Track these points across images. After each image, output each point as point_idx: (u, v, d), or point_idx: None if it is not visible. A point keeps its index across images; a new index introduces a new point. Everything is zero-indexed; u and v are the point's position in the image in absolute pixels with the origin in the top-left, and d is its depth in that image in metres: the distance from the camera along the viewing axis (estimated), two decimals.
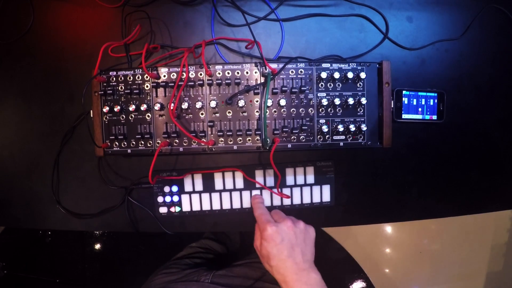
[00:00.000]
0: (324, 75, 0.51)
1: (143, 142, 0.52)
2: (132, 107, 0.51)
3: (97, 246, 1.36)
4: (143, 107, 0.51)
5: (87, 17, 0.56)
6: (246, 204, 0.57)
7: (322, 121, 0.53)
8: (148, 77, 0.51)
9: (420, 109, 0.58)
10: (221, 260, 0.65)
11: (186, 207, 0.57)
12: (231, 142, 0.53)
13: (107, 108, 0.51)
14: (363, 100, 0.53)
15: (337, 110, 0.53)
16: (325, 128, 0.52)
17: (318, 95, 0.53)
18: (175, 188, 0.57)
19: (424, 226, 1.51)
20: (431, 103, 0.58)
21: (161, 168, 0.56)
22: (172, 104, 0.51)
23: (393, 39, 0.57)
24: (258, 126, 0.52)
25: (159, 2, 0.55)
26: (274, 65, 0.51)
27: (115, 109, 0.51)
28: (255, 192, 0.57)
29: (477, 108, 0.60)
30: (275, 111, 0.53)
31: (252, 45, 0.55)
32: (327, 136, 0.53)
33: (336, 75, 0.52)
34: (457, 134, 0.60)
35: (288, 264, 0.44)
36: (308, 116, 0.53)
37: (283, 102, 0.51)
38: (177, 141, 0.53)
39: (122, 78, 0.52)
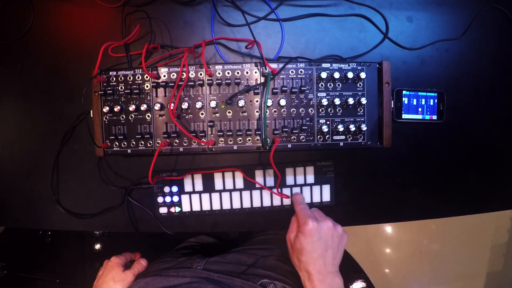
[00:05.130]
0: (324, 75, 0.51)
1: (143, 142, 0.52)
2: (132, 107, 0.51)
3: (97, 246, 1.36)
4: (143, 107, 0.51)
5: (87, 17, 0.56)
6: (246, 204, 0.57)
7: (322, 121, 0.53)
8: (148, 77, 0.51)
9: (420, 109, 0.58)
10: (217, 251, 0.64)
11: (186, 207, 0.57)
12: (231, 142, 0.53)
13: (107, 108, 0.51)
14: (363, 100, 0.53)
15: (337, 110, 0.53)
16: (325, 128, 0.52)
17: (318, 95, 0.53)
18: (175, 188, 0.57)
19: (424, 226, 1.52)
20: (431, 103, 0.58)
21: (161, 168, 0.56)
22: (172, 104, 0.51)
23: (393, 39, 0.57)
24: (258, 126, 0.52)
25: (159, 2, 0.55)
26: (274, 65, 0.51)
27: (115, 109, 0.51)
28: (255, 192, 0.57)
29: (477, 108, 0.60)
30: (275, 111, 0.53)
31: (252, 45, 0.55)
32: (327, 136, 0.53)
33: (336, 75, 0.52)
34: (457, 134, 0.60)
35: (318, 263, 0.45)
36: (308, 116, 0.53)
37: (283, 102, 0.51)
38: (177, 141, 0.53)
39: (122, 78, 0.52)
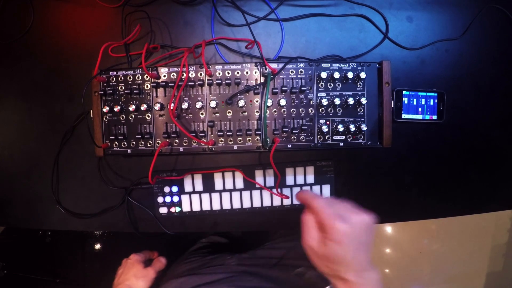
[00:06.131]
0: (324, 75, 0.51)
1: (143, 142, 0.52)
2: (132, 107, 0.51)
3: (97, 246, 1.36)
4: (143, 107, 0.51)
5: (87, 17, 0.56)
6: (246, 204, 0.57)
7: (322, 121, 0.53)
8: (148, 77, 0.51)
9: (420, 109, 0.57)
10: (233, 250, 0.64)
11: (186, 207, 0.57)
12: (231, 142, 0.53)
13: (107, 108, 0.51)
14: (363, 100, 0.53)
15: (337, 110, 0.53)
16: (325, 128, 0.52)
17: (318, 95, 0.53)
18: (175, 188, 0.57)
19: (424, 226, 1.52)
20: (431, 103, 0.58)
21: (161, 168, 0.56)
22: (172, 104, 0.51)
23: (393, 39, 0.57)
24: (258, 126, 0.52)
25: (159, 2, 0.55)
26: (274, 65, 0.51)
27: (115, 109, 0.51)
28: (255, 192, 0.57)
29: (477, 108, 0.60)
30: (275, 111, 0.53)
31: (252, 45, 0.55)
32: (327, 136, 0.53)
33: (336, 75, 0.52)
34: (457, 134, 0.60)
35: (352, 266, 0.38)
36: (308, 116, 0.53)
37: (283, 102, 0.51)
38: (177, 141, 0.53)
39: (122, 78, 0.52)
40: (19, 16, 0.56)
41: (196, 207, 0.57)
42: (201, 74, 0.52)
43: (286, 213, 0.58)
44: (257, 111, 0.52)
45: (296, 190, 0.57)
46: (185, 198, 0.57)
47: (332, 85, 0.53)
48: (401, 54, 0.58)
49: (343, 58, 0.56)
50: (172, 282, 0.52)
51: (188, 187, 0.57)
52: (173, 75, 0.52)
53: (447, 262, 1.50)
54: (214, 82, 0.51)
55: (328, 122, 0.53)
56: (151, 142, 0.52)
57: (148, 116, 0.52)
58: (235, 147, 0.53)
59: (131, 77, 0.52)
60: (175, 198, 0.57)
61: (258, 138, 0.53)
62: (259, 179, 0.57)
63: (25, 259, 1.31)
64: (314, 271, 0.52)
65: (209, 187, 0.57)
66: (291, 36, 0.56)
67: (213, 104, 0.51)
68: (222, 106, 0.52)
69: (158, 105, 0.51)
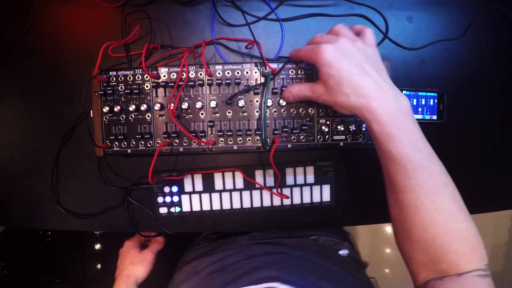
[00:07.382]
0: None
1: (143, 142, 0.52)
2: (132, 107, 0.51)
3: (97, 246, 1.36)
4: (143, 107, 0.51)
5: (87, 17, 0.56)
6: (246, 204, 0.57)
7: (322, 121, 0.53)
8: (148, 77, 0.51)
9: (420, 109, 0.57)
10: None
11: (186, 207, 0.57)
12: (231, 142, 0.53)
13: (107, 108, 0.51)
14: None
15: None
16: (325, 128, 0.52)
17: None
18: (175, 189, 0.57)
19: None
20: (431, 103, 0.58)
21: (161, 168, 0.56)
22: (172, 104, 0.51)
23: (393, 39, 0.57)
24: (258, 126, 0.52)
25: (159, 2, 0.55)
26: (274, 65, 0.51)
27: (115, 109, 0.51)
28: (255, 192, 0.57)
29: (477, 108, 0.60)
30: (275, 111, 0.53)
31: (252, 45, 0.55)
32: (327, 136, 0.53)
33: None
34: (457, 134, 0.60)
35: (366, 81, 0.36)
36: (308, 116, 0.53)
37: (283, 102, 0.51)
38: (177, 141, 0.53)
39: (122, 78, 0.52)
40: (19, 16, 0.56)
41: (196, 207, 0.57)
42: (201, 74, 0.52)
43: (286, 213, 0.58)
44: (257, 111, 0.52)
45: (296, 190, 0.57)
46: (185, 198, 0.57)
47: None
48: (401, 54, 0.58)
49: None
50: (185, 269, 0.50)
51: (188, 187, 0.57)
52: (173, 75, 0.51)
53: None
54: (214, 82, 0.51)
55: (328, 122, 0.53)
56: (151, 142, 0.52)
57: (148, 116, 0.52)
58: (235, 147, 0.53)
59: (131, 77, 0.52)
60: (175, 198, 0.57)
61: (258, 138, 0.53)
62: (259, 179, 0.57)
63: (25, 259, 1.31)
64: (327, 237, 0.52)
65: (209, 187, 0.57)
66: (291, 36, 0.56)
67: (213, 104, 0.51)
68: (222, 106, 0.52)
69: (158, 105, 0.51)
